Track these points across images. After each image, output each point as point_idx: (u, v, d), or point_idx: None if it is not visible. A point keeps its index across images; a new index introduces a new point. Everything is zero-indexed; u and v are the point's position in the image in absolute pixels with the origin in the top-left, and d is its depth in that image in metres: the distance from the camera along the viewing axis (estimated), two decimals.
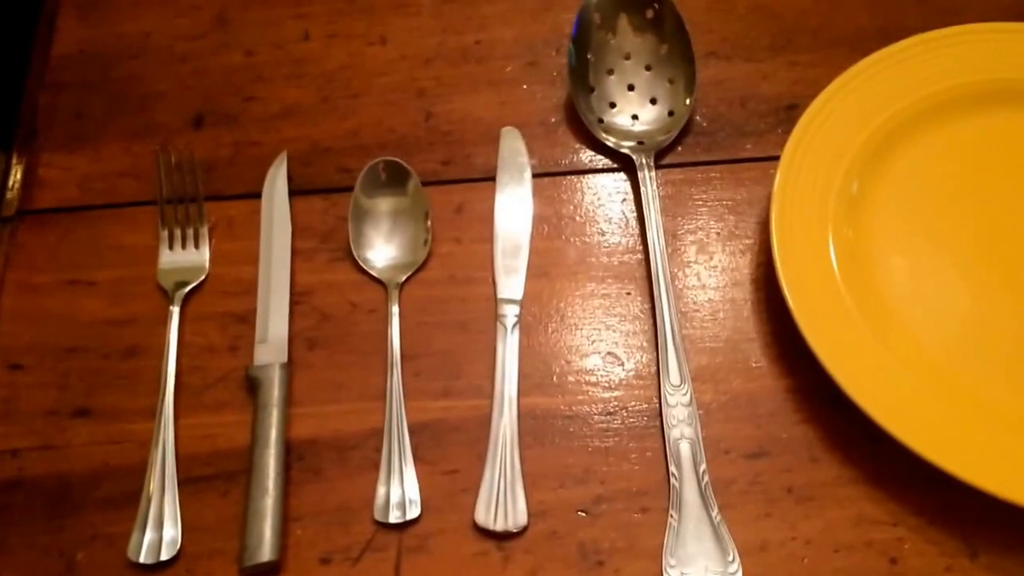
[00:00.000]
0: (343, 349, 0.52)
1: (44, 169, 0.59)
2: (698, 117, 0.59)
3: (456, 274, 0.55)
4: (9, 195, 0.58)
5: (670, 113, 0.58)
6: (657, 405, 0.50)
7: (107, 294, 0.55)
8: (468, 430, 0.50)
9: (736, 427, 0.49)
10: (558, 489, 0.48)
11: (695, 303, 0.53)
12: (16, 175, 0.59)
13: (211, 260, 0.55)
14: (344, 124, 0.60)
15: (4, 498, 0.49)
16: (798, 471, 0.48)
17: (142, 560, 0.46)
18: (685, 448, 0.48)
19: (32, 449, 0.50)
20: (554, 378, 0.51)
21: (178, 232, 0.56)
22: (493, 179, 0.57)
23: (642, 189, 0.55)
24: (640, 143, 0.57)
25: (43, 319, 0.54)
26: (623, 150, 0.57)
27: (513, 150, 0.58)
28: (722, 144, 0.58)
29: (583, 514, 0.47)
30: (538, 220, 0.56)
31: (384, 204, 0.56)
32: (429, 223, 0.55)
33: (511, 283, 0.54)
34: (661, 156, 0.57)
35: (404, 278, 0.54)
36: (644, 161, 0.56)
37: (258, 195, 0.57)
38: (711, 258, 0.54)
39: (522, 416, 0.50)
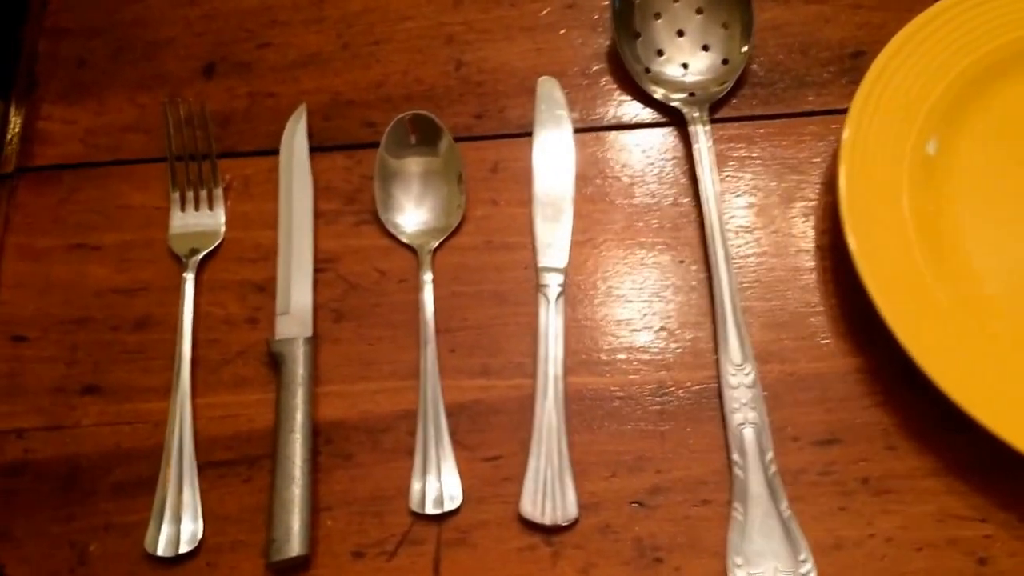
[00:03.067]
0: (372, 322, 0.45)
1: (44, 122, 0.52)
2: (755, 66, 0.50)
3: (492, 239, 0.47)
4: (8, 150, 0.51)
5: (724, 61, 0.49)
6: (716, 386, 0.43)
7: (115, 259, 0.48)
8: (509, 412, 0.43)
9: (804, 411, 0.42)
10: (610, 478, 0.41)
11: (755, 272, 0.45)
12: (15, 128, 0.52)
13: (227, 223, 0.48)
14: (368, 74, 0.51)
15: (9, 482, 0.43)
16: (874, 460, 0.41)
17: (160, 553, 0.41)
18: (749, 434, 0.41)
19: (39, 429, 0.44)
20: (602, 355, 0.44)
21: (190, 193, 0.48)
22: (530, 134, 0.49)
23: (694, 146, 0.47)
24: (691, 95, 0.49)
25: (47, 287, 0.47)
26: (673, 103, 0.49)
27: (551, 102, 0.50)
28: (781, 96, 0.49)
29: (638, 506, 0.41)
30: (580, 180, 0.48)
31: (413, 164, 0.48)
32: (463, 184, 0.47)
33: (553, 250, 0.46)
34: (715, 109, 0.49)
35: (436, 244, 0.46)
36: (696, 115, 0.48)
37: (276, 152, 0.49)
38: (771, 222, 0.47)
39: (568, 397, 0.43)
